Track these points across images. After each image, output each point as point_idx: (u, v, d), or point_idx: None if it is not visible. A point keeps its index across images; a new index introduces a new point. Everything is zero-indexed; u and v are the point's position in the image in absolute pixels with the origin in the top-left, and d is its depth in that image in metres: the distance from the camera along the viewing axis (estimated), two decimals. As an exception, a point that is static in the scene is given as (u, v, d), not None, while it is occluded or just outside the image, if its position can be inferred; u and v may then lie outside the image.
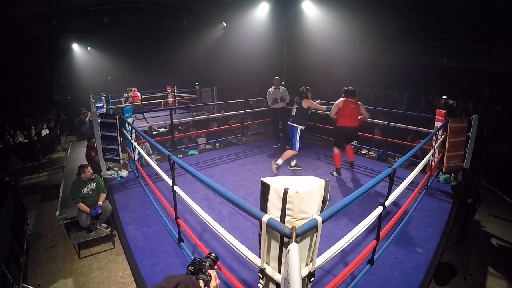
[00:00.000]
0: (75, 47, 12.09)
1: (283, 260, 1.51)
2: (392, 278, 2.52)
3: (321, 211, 1.56)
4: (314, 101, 4.84)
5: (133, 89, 10.64)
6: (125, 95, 10.62)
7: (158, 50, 14.68)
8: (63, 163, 6.71)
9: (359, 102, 4.51)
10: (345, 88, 4.53)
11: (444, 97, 9.73)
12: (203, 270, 1.32)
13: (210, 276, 1.31)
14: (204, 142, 7.18)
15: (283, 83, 7.60)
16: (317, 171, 5.03)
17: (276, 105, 6.11)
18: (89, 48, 13.01)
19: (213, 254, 1.43)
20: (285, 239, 1.44)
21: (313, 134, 6.57)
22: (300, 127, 4.63)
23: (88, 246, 4.20)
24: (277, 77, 6.08)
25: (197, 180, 2.18)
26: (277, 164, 4.72)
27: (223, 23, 11.44)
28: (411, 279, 2.51)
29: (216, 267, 1.43)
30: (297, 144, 4.65)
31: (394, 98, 10.99)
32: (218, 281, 1.35)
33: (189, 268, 1.32)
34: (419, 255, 2.81)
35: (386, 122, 5.32)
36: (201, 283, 1.26)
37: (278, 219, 1.47)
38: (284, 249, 1.48)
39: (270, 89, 6.11)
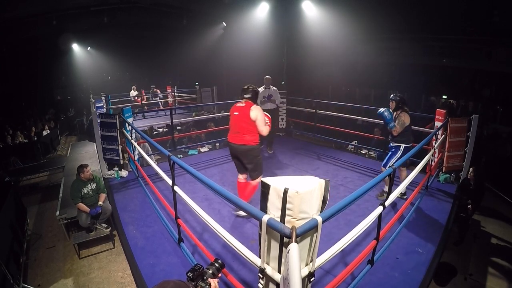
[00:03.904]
0: (75, 47, 12.08)
1: (283, 260, 1.50)
2: (392, 278, 2.51)
3: (321, 211, 1.56)
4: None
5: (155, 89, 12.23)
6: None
7: (158, 50, 14.70)
8: (63, 163, 6.70)
9: (255, 105, 3.20)
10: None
11: (444, 96, 9.75)
12: (204, 278, 1.28)
13: (210, 285, 1.26)
14: (206, 145, 7.12)
15: (282, 83, 7.58)
16: (317, 171, 5.02)
17: (265, 106, 5.61)
18: (89, 48, 13.01)
19: (219, 261, 1.37)
20: (285, 239, 1.44)
21: (313, 134, 6.57)
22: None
23: (88, 246, 4.20)
24: (267, 76, 5.77)
25: (197, 180, 2.18)
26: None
27: (223, 23, 11.43)
28: (411, 279, 2.51)
29: (220, 275, 1.37)
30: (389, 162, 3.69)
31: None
32: None
33: (188, 274, 1.27)
34: (419, 255, 2.81)
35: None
36: None
37: (278, 219, 1.47)
38: (284, 249, 1.48)
39: (259, 88, 5.88)
